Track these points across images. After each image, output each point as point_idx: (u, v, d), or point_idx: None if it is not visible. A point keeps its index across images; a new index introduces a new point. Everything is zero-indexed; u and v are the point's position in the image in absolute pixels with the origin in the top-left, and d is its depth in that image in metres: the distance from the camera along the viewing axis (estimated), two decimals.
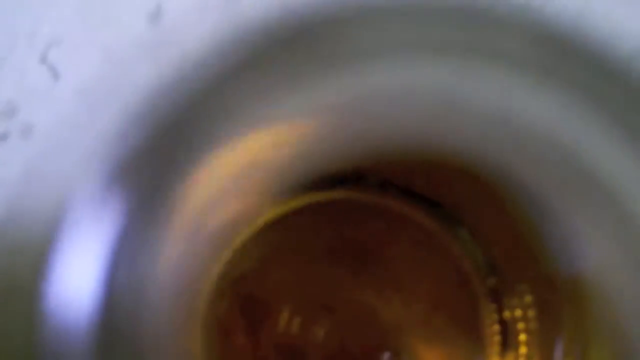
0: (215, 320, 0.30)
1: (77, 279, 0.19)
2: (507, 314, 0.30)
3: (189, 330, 0.30)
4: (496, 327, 0.30)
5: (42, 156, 0.22)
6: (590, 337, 0.25)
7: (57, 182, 0.23)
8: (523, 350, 0.29)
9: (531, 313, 0.29)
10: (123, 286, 0.19)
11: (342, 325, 0.30)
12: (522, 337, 0.29)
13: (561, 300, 0.26)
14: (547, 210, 0.25)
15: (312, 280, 0.30)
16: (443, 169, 0.28)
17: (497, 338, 0.30)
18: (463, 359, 0.30)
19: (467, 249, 0.30)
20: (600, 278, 0.24)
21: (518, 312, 0.29)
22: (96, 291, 0.19)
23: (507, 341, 0.29)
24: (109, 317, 0.19)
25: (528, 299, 0.29)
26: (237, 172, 0.22)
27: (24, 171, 0.25)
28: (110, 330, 0.19)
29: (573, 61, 0.19)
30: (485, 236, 0.30)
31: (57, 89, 0.25)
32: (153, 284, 0.20)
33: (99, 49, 0.26)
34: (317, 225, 0.31)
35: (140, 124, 0.18)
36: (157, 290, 0.20)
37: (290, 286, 0.30)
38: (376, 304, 0.30)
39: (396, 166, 0.29)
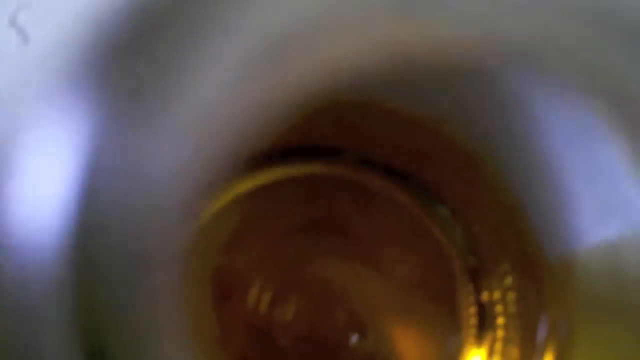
0: (182, 292, 0.29)
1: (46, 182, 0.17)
2: (485, 296, 0.29)
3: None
4: (473, 309, 0.29)
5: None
6: (575, 319, 0.24)
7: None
8: (501, 333, 0.28)
9: (511, 295, 0.28)
10: (106, 191, 0.18)
11: (312, 304, 0.29)
12: (500, 320, 0.28)
13: (544, 281, 0.25)
14: (533, 185, 0.24)
15: (284, 256, 0.29)
16: (422, 142, 0.27)
17: (474, 320, 0.29)
18: (438, 341, 0.29)
19: (447, 227, 0.29)
20: (588, 256, 0.23)
21: (497, 294, 0.28)
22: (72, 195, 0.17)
23: (485, 324, 0.29)
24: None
25: (508, 280, 0.28)
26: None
27: None
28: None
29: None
30: (466, 214, 0.29)
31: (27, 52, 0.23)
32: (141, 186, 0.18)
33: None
34: (293, 199, 0.29)
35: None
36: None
37: (262, 261, 0.29)
38: (350, 282, 0.29)
39: (375, 140, 0.28)
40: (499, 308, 0.28)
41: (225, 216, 0.29)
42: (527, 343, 0.27)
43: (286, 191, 0.29)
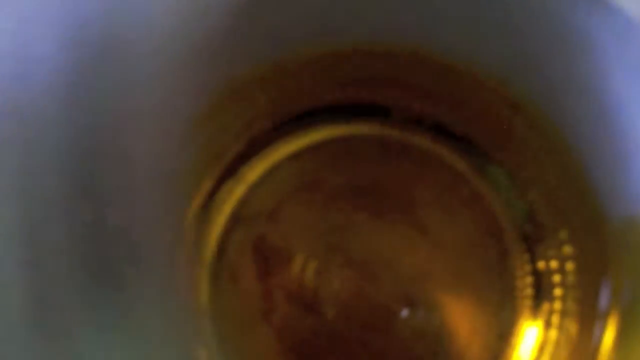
0: (224, 264, 0.28)
1: None
2: (541, 265, 0.27)
3: (194, 274, 0.27)
4: (529, 279, 0.27)
5: None
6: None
7: None
8: (558, 305, 0.27)
9: (569, 265, 0.26)
10: None
11: (360, 274, 0.28)
12: (558, 291, 0.27)
13: (606, 246, 0.24)
14: (595, 140, 0.22)
15: (329, 224, 0.28)
16: (478, 99, 0.25)
17: (529, 291, 0.27)
18: (491, 313, 0.28)
19: (501, 192, 0.28)
20: None
21: (554, 263, 0.27)
22: None
23: (541, 295, 0.27)
24: None
25: (567, 249, 0.26)
26: None
27: None
28: None
29: None
30: (523, 177, 0.27)
31: None
32: None
33: None
34: (337, 162, 0.28)
35: None
36: None
37: (306, 229, 0.28)
38: (398, 251, 0.28)
39: (426, 98, 0.27)
40: (556, 278, 0.27)
41: (269, 180, 0.28)
42: (587, 315, 0.25)
43: (331, 153, 0.28)
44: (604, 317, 0.24)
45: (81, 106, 0.18)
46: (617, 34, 0.18)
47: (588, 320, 0.25)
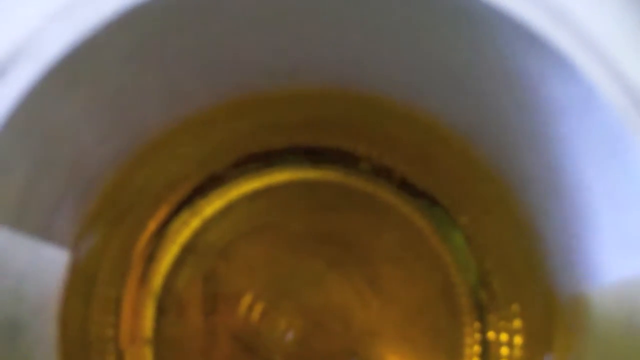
0: (171, 295, 0.27)
1: None
2: (491, 336, 0.27)
3: (140, 302, 0.27)
4: (477, 349, 0.27)
5: None
6: None
7: None
8: None
9: (518, 340, 0.26)
10: None
11: (307, 322, 0.27)
12: None
13: (555, 323, 0.23)
14: (553, 213, 0.22)
15: (283, 268, 0.28)
16: (444, 158, 0.25)
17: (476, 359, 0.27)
18: None
19: (459, 256, 0.27)
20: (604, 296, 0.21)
21: (504, 336, 0.26)
22: None
23: None
24: None
25: (517, 323, 0.26)
26: None
27: None
28: None
29: None
30: (482, 244, 0.27)
31: None
32: None
33: None
34: (298, 206, 0.28)
35: None
36: None
37: (258, 270, 0.27)
38: (349, 304, 0.27)
39: (394, 149, 0.27)
40: (504, 351, 0.26)
41: (226, 217, 0.28)
42: None
43: (292, 196, 0.28)
44: None
45: None
46: (581, 100, 0.17)
47: None
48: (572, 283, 0.22)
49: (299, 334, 0.27)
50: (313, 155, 0.27)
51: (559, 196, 0.21)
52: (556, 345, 0.23)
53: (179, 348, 0.27)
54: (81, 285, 0.24)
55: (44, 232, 0.21)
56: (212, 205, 0.27)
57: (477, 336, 0.27)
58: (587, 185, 0.20)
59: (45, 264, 0.22)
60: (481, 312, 0.27)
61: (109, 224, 0.25)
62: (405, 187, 0.27)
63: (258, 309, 0.27)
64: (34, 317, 0.22)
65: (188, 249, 0.27)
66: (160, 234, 0.27)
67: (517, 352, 0.26)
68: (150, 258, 0.27)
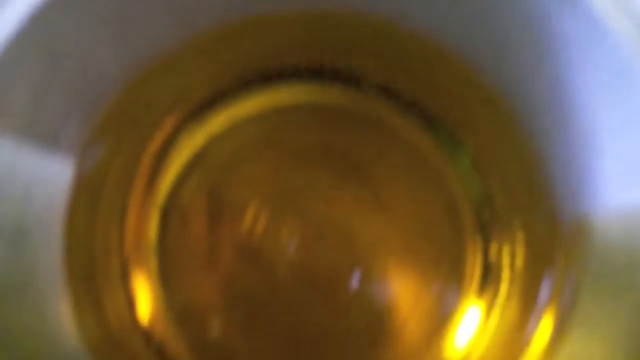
0: (176, 207, 0.28)
1: None
2: (493, 249, 0.27)
3: (145, 212, 0.27)
4: (479, 262, 0.27)
5: None
6: (581, 287, 0.23)
7: None
8: (504, 288, 0.27)
9: (519, 251, 0.26)
10: None
11: (311, 236, 0.27)
12: (505, 275, 0.27)
13: (556, 242, 0.24)
14: (557, 136, 0.22)
15: (287, 183, 0.28)
16: (449, 80, 0.25)
17: (478, 272, 0.27)
18: (436, 293, 0.28)
19: (463, 174, 0.27)
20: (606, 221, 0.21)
21: (506, 249, 0.27)
22: None
23: (489, 277, 0.27)
24: None
25: (519, 236, 0.26)
26: None
27: None
28: None
29: None
30: (486, 167, 0.27)
31: None
32: None
33: None
34: (303, 125, 0.28)
35: None
36: None
37: (262, 185, 0.28)
38: (353, 218, 0.28)
39: (399, 70, 0.26)
40: (505, 262, 0.27)
41: (232, 133, 0.28)
42: (529, 303, 0.25)
43: (298, 116, 0.28)
44: (543, 309, 0.24)
45: None
46: (585, 31, 0.17)
47: (528, 310, 0.25)
48: (575, 208, 0.22)
49: (302, 247, 0.27)
50: (319, 76, 0.27)
51: (564, 121, 0.21)
52: (557, 266, 0.24)
53: (183, 258, 0.28)
54: (87, 196, 0.25)
55: (51, 143, 0.21)
56: (218, 120, 0.28)
57: (480, 254, 0.27)
58: (592, 110, 0.20)
59: (52, 175, 0.22)
60: (484, 231, 0.27)
61: (115, 137, 0.25)
62: (411, 109, 0.27)
63: (262, 221, 0.27)
64: (39, 225, 0.22)
65: (194, 162, 0.28)
66: (167, 146, 0.27)
67: (519, 271, 0.26)
68: (156, 170, 0.27)
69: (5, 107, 0.19)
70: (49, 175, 0.22)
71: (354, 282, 0.27)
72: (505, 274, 0.27)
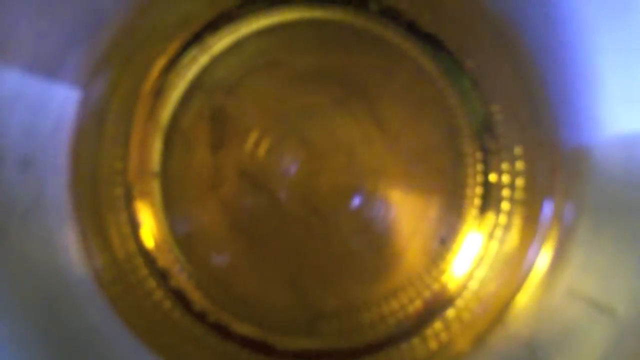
0: (179, 131, 0.28)
1: None
2: (493, 178, 0.27)
3: (148, 136, 0.27)
4: (479, 190, 0.27)
5: None
6: (581, 213, 0.23)
7: None
8: (503, 219, 0.27)
9: (520, 182, 0.26)
10: None
11: (313, 158, 0.27)
12: (505, 205, 0.27)
13: (557, 169, 0.24)
14: (558, 62, 0.22)
15: (289, 104, 0.28)
16: (452, 3, 0.24)
17: (477, 201, 0.27)
18: (436, 218, 0.28)
19: (465, 100, 0.27)
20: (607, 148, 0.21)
21: (505, 178, 0.27)
22: None
23: (487, 206, 0.27)
24: None
25: (520, 165, 0.26)
26: None
27: None
28: None
29: None
30: (487, 89, 0.27)
31: None
32: None
33: None
34: (306, 44, 0.28)
35: None
36: None
37: (265, 107, 0.28)
38: (355, 141, 0.28)
39: None
40: (505, 192, 0.27)
41: (234, 53, 0.27)
42: (528, 232, 0.25)
43: (301, 35, 0.27)
44: (543, 236, 0.25)
45: None
46: None
47: (528, 237, 0.25)
48: (575, 135, 0.22)
49: (304, 169, 0.27)
50: None
51: (565, 48, 0.21)
52: (556, 190, 0.24)
53: (186, 182, 0.28)
54: (92, 122, 0.25)
55: (56, 73, 0.21)
56: (221, 42, 0.27)
57: (480, 177, 0.27)
58: (593, 37, 0.20)
59: (57, 102, 0.22)
60: (485, 154, 0.27)
61: (120, 63, 0.25)
62: (414, 30, 0.27)
63: (264, 144, 0.27)
64: (45, 151, 0.22)
65: (196, 85, 0.27)
66: (169, 70, 0.27)
67: (518, 194, 0.27)
68: (159, 94, 0.27)
69: (6, 40, 0.19)
70: (54, 103, 0.22)
71: (355, 205, 0.27)
72: (505, 205, 0.27)
